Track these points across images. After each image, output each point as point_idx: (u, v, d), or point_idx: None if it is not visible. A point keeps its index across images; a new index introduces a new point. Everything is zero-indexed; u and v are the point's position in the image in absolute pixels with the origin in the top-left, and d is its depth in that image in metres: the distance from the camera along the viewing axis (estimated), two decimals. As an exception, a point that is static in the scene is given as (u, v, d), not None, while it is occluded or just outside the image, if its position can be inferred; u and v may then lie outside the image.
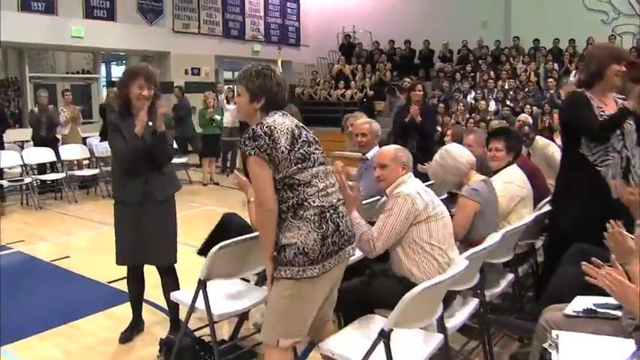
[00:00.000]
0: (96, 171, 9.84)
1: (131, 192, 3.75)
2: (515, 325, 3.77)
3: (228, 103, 12.21)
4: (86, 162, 10.44)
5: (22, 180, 8.75)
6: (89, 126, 12.50)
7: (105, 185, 9.86)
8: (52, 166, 9.56)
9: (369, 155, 4.77)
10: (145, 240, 3.78)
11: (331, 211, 2.54)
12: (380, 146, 4.44)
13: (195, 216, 8.22)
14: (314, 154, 2.60)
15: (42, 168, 9.54)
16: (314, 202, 2.50)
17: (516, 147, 4.41)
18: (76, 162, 10.28)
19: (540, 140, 6.11)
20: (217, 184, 10.95)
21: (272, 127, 2.49)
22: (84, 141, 10.42)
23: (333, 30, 19.37)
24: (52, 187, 9.72)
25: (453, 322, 3.10)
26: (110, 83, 16.39)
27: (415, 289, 2.42)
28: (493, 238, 3.25)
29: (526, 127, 6.19)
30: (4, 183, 8.77)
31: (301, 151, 2.54)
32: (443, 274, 2.71)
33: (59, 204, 9.21)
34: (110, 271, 5.23)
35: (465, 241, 3.69)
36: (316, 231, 2.47)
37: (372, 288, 3.24)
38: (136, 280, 4.05)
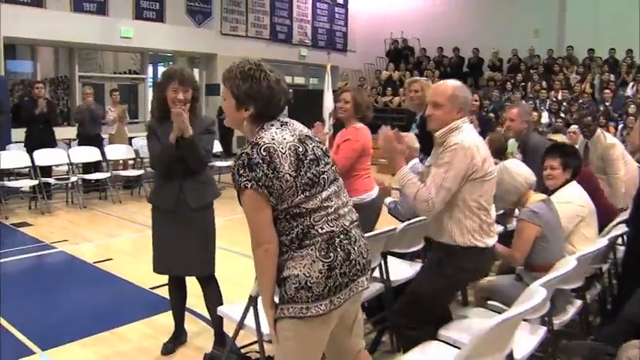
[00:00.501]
0: (141, 172, 9.81)
1: (165, 198, 3.62)
2: (594, 348, 3.45)
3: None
4: (131, 162, 10.43)
5: (69, 178, 8.75)
6: (135, 126, 12.53)
7: (149, 186, 9.80)
8: (96, 165, 9.56)
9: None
10: (180, 250, 3.62)
11: (342, 236, 2.19)
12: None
13: (238, 221, 8.09)
14: (324, 173, 2.21)
15: (86, 167, 9.55)
16: (322, 228, 2.15)
17: (574, 164, 4.03)
18: (121, 162, 10.28)
19: (603, 136, 5.55)
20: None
21: (271, 150, 2.09)
22: (130, 141, 10.42)
23: (381, 36, 19.16)
24: (97, 186, 9.73)
25: (521, 354, 2.84)
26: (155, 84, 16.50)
27: (488, 324, 2.17)
28: (568, 264, 2.98)
29: (588, 118, 5.67)
30: (52, 181, 8.78)
31: (309, 174, 2.15)
32: (520, 306, 2.43)
33: (103, 204, 9.20)
34: (153, 276, 5.04)
35: (528, 266, 3.46)
36: (322, 260, 2.12)
37: (418, 295, 3.05)
38: (176, 289, 3.90)
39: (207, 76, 15.85)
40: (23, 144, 9.28)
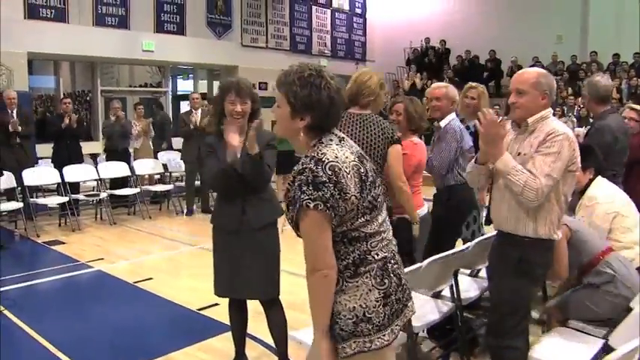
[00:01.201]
0: (170, 187, 9.66)
1: (227, 220, 3.46)
2: None
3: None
4: (156, 176, 10.29)
5: (98, 195, 8.61)
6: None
7: (179, 201, 9.69)
8: (123, 181, 9.42)
9: (442, 123, 4.31)
10: (243, 272, 3.44)
11: (392, 261, 2.08)
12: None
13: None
14: (380, 196, 2.08)
15: (114, 182, 9.42)
16: (377, 254, 2.02)
17: (593, 162, 3.94)
18: (146, 176, 10.15)
19: None
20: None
21: (336, 170, 1.93)
22: (155, 155, 10.29)
23: (400, 45, 19.01)
24: (125, 201, 9.59)
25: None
26: (176, 97, 16.41)
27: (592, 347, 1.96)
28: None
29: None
30: (82, 197, 8.66)
31: (369, 197, 2.02)
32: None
33: (133, 220, 9.05)
34: (198, 297, 4.98)
35: (582, 271, 3.48)
36: (378, 288, 1.99)
37: (505, 305, 2.95)
38: (238, 313, 3.70)
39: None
40: (50, 160, 9.20)
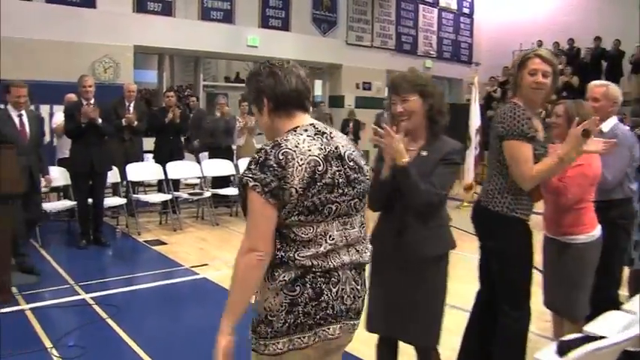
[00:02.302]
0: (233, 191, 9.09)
1: (382, 240, 2.75)
2: None
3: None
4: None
5: (202, 193, 8.13)
6: (261, 137, 11.93)
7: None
8: (225, 179, 8.94)
9: (604, 128, 3.75)
10: (399, 307, 2.74)
11: (319, 274, 1.90)
12: None
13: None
14: (334, 203, 1.91)
15: (215, 180, 8.97)
16: (300, 262, 1.87)
17: None
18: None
19: None
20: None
21: (289, 157, 1.83)
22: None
23: (509, 47, 17.76)
24: (227, 201, 9.12)
25: None
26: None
27: None
28: None
29: None
30: (185, 196, 8.24)
31: (315, 198, 1.86)
32: None
33: (235, 221, 8.52)
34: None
35: None
36: (286, 293, 1.88)
37: None
38: (388, 354, 2.97)
39: (331, 88, 15.15)
40: (152, 155, 8.87)
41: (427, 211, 2.69)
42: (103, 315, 4.63)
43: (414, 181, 2.58)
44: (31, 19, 10.07)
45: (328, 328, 1.94)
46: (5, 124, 5.65)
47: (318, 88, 15.68)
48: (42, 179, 6.14)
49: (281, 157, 1.82)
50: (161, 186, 8.17)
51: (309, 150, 1.87)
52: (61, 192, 7.94)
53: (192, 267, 6.03)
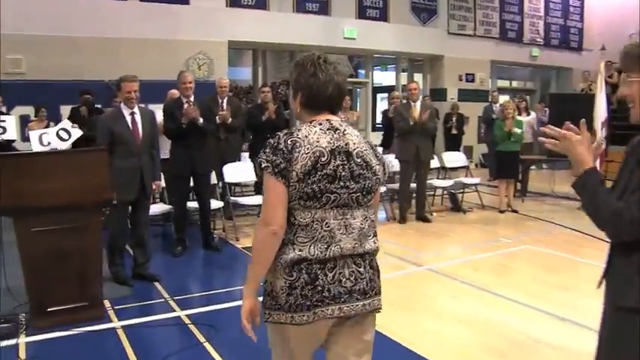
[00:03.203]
0: (382, 189, 8.30)
1: None
2: None
3: (520, 114, 10.17)
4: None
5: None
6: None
7: (390, 205, 8.36)
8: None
9: None
10: None
11: (315, 262, 2.04)
12: None
13: (515, 257, 6.23)
14: (333, 193, 2.03)
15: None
16: (294, 250, 2.03)
17: None
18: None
19: None
20: (516, 211, 8.79)
21: (297, 143, 2.01)
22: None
23: (625, 31, 16.10)
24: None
25: None
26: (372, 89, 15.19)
27: None
28: None
29: None
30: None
31: (314, 186, 2.00)
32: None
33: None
34: (448, 348, 3.48)
35: None
36: (285, 277, 2.04)
37: None
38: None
39: (432, 80, 14.20)
40: (248, 154, 8.33)
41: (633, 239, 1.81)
42: (200, 337, 4.03)
43: (597, 197, 1.85)
44: (126, 18, 9.85)
45: (326, 309, 2.05)
46: (117, 123, 5.08)
47: (419, 82, 14.71)
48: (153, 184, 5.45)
49: (289, 143, 2.01)
50: (258, 187, 7.58)
51: (318, 141, 2.03)
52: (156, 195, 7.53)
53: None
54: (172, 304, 4.75)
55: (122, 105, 5.15)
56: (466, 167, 9.53)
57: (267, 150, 2.04)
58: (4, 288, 4.45)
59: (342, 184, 2.04)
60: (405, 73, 14.83)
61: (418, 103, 7.91)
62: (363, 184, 2.10)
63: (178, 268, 5.86)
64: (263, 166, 2.03)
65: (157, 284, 5.23)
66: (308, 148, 2.01)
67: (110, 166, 4.57)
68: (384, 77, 16.31)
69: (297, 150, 2.00)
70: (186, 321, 4.37)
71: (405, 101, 8.44)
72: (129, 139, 5.06)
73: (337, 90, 2.11)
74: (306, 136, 2.03)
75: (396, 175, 8.68)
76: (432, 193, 9.17)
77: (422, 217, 8.09)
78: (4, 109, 8.31)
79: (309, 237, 2.04)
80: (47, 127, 8.26)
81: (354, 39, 12.33)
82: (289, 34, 11.54)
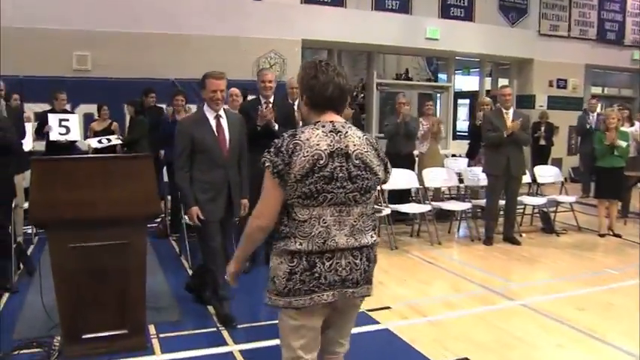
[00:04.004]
0: (465, 205, 7.46)
1: None
2: None
3: (622, 124, 9.02)
4: (445, 188, 8.23)
5: (381, 210, 6.68)
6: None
7: (474, 223, 7.49)
8: (403, 192, 7.48)
9: None
10: None
11: (314, 252, 2.24)
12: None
13: (625, 294, 5.23)
14: (330, 193, 2.22)
15: (392, 194, 7.50)
16: (295, 243, 2.23)
17: None
18: (431, 189, 8.09)
19: None
20: (619, 236, 7.71)
21: (298, 146, 2.19)
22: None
23: None
24: (403, 218, 7.66)
25: None
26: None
27: None
28: None
29: None
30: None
31: (311, 187, 2.19)
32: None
33: (416, 244, 7.05)
34: None
35: None
36: (287, 264, 2.25)
37: None
38: None
39: (519, 86, 13.12)
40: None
41: None
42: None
43: None
44: (194, 13, 9.38)
45: (322, 294, 2.26)
46: (198, 127, 4.17)
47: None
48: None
49: (291, 146, 2.18)
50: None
51: (318, 144, 2.19)
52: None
53: (370, 311, 4.61)
54: (225, 334, 4.11)
55: (205, 107, 4.28)
56: (561, 183, 8.51)
57: (272, 150, 2.21)
58: (40, 306, 3.96)
59: (338, 184, 2.21)
60: (489, 78, 13.81)
61: (511, 111, 7.03)
62: (360, 185, 2.26)
63: (240, 289, 5.22)
64: (266, 164, 2.21)
65: (210, 307, 4.62)
66: (307, 151, 2.17)
67: (191, 179, 4.14)
68: (464, 82, 15.31)
69: (296, 154, 2.16)
70: (238, 358, 3.73)
71: (490, 108, 7.63)
72: (213, 147, 4.17)
73: (338, 90, 2.26)
74: (308, 139, 2.19)
75: (481, 190, 7.81)
76: (521, 211, 8.19)
77: (510, 239, 7.18)
78: (68, 107, 7.96)
79: (307, 232, 2.22)
80: (110, 126, 7.90)
81: (436, 39, 11.47)
82: (367, 33, 10.82)
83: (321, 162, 2.17)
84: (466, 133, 11.58)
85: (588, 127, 10.54)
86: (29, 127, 7.61)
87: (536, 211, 8.32)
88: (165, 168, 7.04)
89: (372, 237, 2.35)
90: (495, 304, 5.01)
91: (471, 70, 15.14)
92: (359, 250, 2.31)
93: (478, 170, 7.77)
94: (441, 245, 6.98)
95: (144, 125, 7.43)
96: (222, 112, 4.27)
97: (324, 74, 2.24)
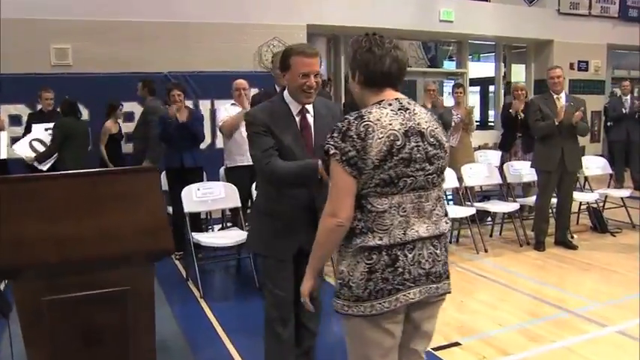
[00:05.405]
0: (513, 206, 6.49)
1: None
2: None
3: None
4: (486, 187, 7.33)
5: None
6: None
7: (522, 225, 6.55)
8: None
9: None
10: None
11: (395, 246, 1.99)
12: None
13: None
14: (410, 177, 1.98)
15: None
16: (377, 238, 1.97)
17: None
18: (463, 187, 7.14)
19: None
20: (684, 234, 6.79)
21: (370, 128, 1.93)
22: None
23: None
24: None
25: None
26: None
27: None
28: None
29: None
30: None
31: (391, 172, 1.95)
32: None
33: (456, 252, 6.07)
34: None
35: None
36: (365, 262, 1.98)
37: None
38: None
39: (537, 70, 12.14)
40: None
41: None
42: None
43: None
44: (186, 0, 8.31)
45: (408, 293, 2.01)
46: (278, 124, 2.83)
47: (521, 73, 12.74)
48: None
49: (361, 129, 1.92)
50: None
51: (390, 124, 1.95)
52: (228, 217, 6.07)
53: (437, 349, 3.65)
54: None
55: (285, 95, 2.90)
56: (609, 175, 7.57)
57: (336, 135, 1.96)
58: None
59: (417, 166, 2.00)
60: (501, 64, 12.79)
61: (563, 95, 6.08)
62: (437, 165, 2.06)
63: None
64: (331, 152, 1.95)
65: (232, 348, 3.64)
66: (382, 132, 1.94)
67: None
68: (474, 68, 14.29)
69: (369, 136, 1.92)
70: None
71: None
72: (295, 151, 2.83)
73: (396, 64, 2.03)
74: (378, 119, 1.96)
75: (531, 187, 6.90)
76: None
77: (565, 242, 6.24)
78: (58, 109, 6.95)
79: (387, 224, 1.97)
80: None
81: (451, 22, 10.46)
82: (378, 16, 9.76)
83: (398, 143, 1.95)
84: (478, 123, 10.68)
85: (624, 111, 9.63)
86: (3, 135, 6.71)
87: (583, 207, 7.38)
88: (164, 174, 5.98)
89: (446, 223, 2.15)
90: (585, 332, 4.05)
91: (481, 55, 14.16)
92: (437, 239, 2.10)
93: (520, 165, 6.84)
94: (487, 253, 6.02)
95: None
96: (309, 107, 2.91)
97: (380, 47, 2.02)
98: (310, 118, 2.90)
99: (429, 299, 2.08)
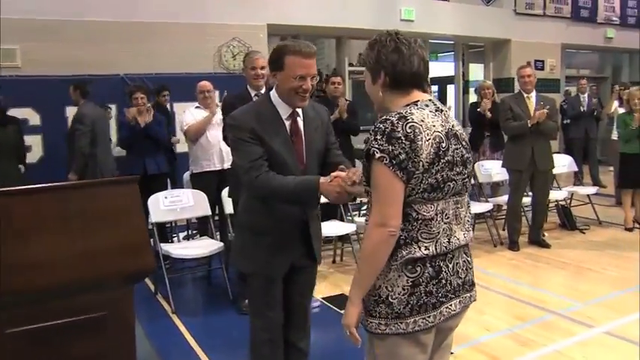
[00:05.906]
0: (488, 206, 6.40)
1: None
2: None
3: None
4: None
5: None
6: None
7: (494, 225, 6.48)
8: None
9: None
10: None
11: (437, 259, 1.86)
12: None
13: None
14: (452, 181, 1.87)
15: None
16: (424, 248, 1.83)
17: None
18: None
19: None
20: (646, 228, 6.87)
21: (417, 129, 1.78)
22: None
23: None
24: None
25: None
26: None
27: None
28: None
29: None
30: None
31: (438, 175, 1.82)
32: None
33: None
34: None
35: None
36: (407, 275, 1.83)
37: None
38: None
39: (496, 69, 12.24)
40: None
41: None
42: None
43: None
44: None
45: (450, 305, 1.91)
46: (267, 130, 2.55)
47: (478, 72, 12.82)
48: None
49: (409, 130, 1.77)
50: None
51: (434, 125, 1.84)
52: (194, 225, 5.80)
53: None
54: None
55: (273, 96, 2.62)
56: (574, 173, 7.61)
57: (379, 137, 1.77)
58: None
59: (457, 170, 1.89)
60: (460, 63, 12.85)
61: (533, 95, 6.05)
62: (470, 168, 1.97)
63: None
64: (377, 156, 1.76)
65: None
66: (428, 134, 1.80)
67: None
68: (433, 67, 14.38)
69: (418, 137, 1.77)
70: None
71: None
72: (286, 158, 2.57)
73: (423, 64, 1.92)
74: (422, 120, 1.81)
75: (500, 187, 6.85)
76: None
77: (538, 241, 6.20)
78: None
79: (434, 232, 1.85)
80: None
81: (412, 21, 10.40)
82: (338, 16, 9.63)
83: (443, 145, 1.84)
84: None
85: (582, 109, 9.73)
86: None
87: (552, 205, 7.38)
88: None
89: (471, 230, 2.05)
90: (573, 333, 3.98)
91: (439, 54, 14.20)
92: (467, 246, 2.02)
93: (490, 164, 6.80)
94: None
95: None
96: (300, 111, 2.64)
97: (407, 46, 1.89)
98: (301, 122, 2.63)
99: (463, 309, 1.98)
